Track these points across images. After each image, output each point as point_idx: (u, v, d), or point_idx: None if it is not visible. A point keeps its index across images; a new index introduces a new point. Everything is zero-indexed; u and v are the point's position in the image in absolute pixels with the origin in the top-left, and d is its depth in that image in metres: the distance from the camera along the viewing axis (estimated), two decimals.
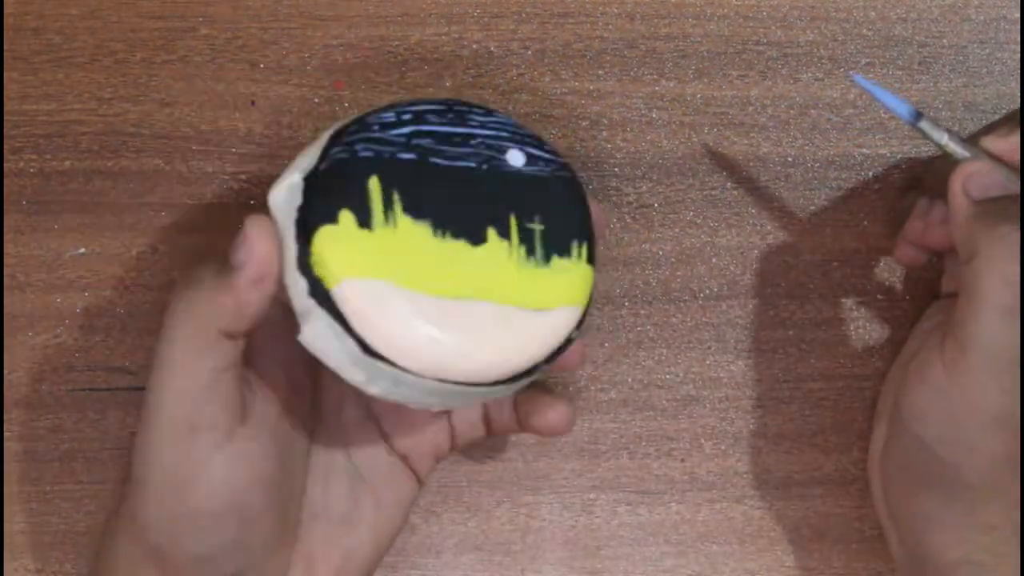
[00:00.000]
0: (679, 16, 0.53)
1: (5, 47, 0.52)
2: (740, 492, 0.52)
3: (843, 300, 0.53)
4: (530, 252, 0.42)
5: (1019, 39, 0.53)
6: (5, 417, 0.52)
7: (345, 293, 0.39)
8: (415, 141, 0.41)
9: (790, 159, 0.53)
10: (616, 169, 0.53)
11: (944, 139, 0.45)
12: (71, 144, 0.52)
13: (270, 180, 0.52)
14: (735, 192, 0.53)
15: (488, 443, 0.51)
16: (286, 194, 0.41)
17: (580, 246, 0.43)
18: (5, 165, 0.52)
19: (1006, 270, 0.42)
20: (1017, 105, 0.53)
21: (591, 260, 0.43)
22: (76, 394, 0.52)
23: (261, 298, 0.40)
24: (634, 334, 0.53)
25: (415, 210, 0.41)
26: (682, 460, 0.52)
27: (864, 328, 0.53)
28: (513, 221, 0.42)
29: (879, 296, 0.53)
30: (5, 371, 0.52)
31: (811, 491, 0.52)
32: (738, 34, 0.53)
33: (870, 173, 0.53)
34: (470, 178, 0.42)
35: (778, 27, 0.53)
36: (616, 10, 0.53)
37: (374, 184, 0.40)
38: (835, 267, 0.53)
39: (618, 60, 0.53)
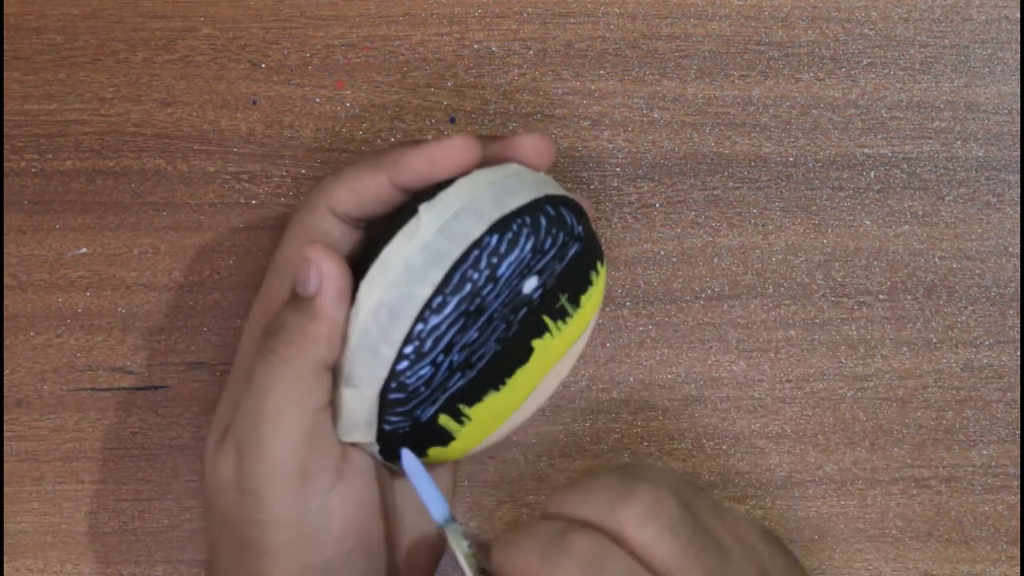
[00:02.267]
0: (681, 16, 0.53)
1: (6, 47, 0.52)
2: (741, 492, 0.52)
3: (843, 300, 0.53)
4: (566, 317, 0.44)
5: (1020, 39, 0.53)
6: (6, 417, 0.51)
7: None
8: (455, 363, 0.42)
9: (791, 159, 0.53)
10: (618, 169, 0.53)
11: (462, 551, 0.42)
12: (72, 144, 0.52)
13: (271, 180, 0.52)
14: (737, 192, 0.53)
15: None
16: (360, 428, 0.43)
17: (594, 267, 0.45)
18: (6, 165, 0.52)
19: None
20: (1018, 105, 0.53)
21: (602, 259, 0.45)
22: (77, 394, 0.52)
23: (344, 317, 0.41)
24: (635, 334, 0.53)
25: (478, 398, 0.44)
26: (683, 460, 0.52)
27: (864, 328, 0.53)
28: (546, 319, 0.44)
29: (880, 296, 0.53)
30: (6, 371, 0.52)
31: (812, 491, 0.52)
32: (740, 34, 0.53)
33: (871, 173, 0.53)
34: (505, 333, 0.43)
35: (780, 27, 0.53)
36: (618, 10, 0.53)
37: (445, 420, 0.43)
38: (836, 267, 0.53)
39: (620, 60, 0.53)
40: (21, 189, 0.52)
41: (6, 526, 0.51)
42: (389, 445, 0.43)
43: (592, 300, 0.45)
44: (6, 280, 0.52)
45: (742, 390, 0.53)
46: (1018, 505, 0.53)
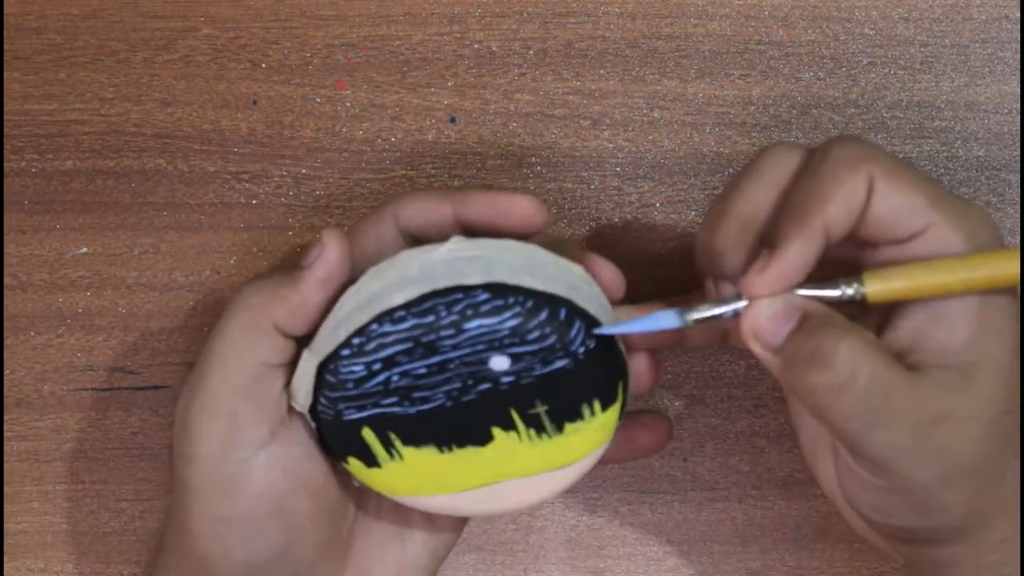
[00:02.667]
0: (681, 16, 0.53)
1: (6, 47, 0.52)
2: (742, 491, 0.52)
3: None
4: (540, 430, 0.43)
5: (1020, 39, 0.53)
6: (6, 417, 0.52)
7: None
8: (393, 385, 0.42)
9: None
10: (618, 169, 0.53)
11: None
12: (73, 144, 0.52)
13: (272, 180, 0.52)
14: None
15: None
16: (303, 391, 0.43)
17: (590, 404, 0.43)
18: (6, 165, 0.52)
19: (843, 409, 0.40)
20: (1018, 105, 0.53)
21: (605, 404, 0.43)
22: (78, 394, 0.52)
23: (321, 300, 0.42)
24: None
25: (415, 440, 0.43)
26: (684, 459, 0.52)
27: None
28: (514, 414, 0.43)
29: None
30: (6, 371, 0.52)
31: (813, 490, 0.52)
32: (740, 33, 0.53)
33: None
34: (460, 395, 0.42)
35: (780, 26, 0.53)
36: (618, 10, 0.53)
37: (368, 435, 0.43)
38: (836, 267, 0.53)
39: (620, 60, 0.53)
40: (21, 189, 0.52)
41: (6, 526, 0.51)
42: (320, 429, 0.43)
43: (583, 437, 0.43)
44: (6, 280, 0.52)
45: (743, 389, 0.53)
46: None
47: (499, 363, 0.42)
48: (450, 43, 0.52)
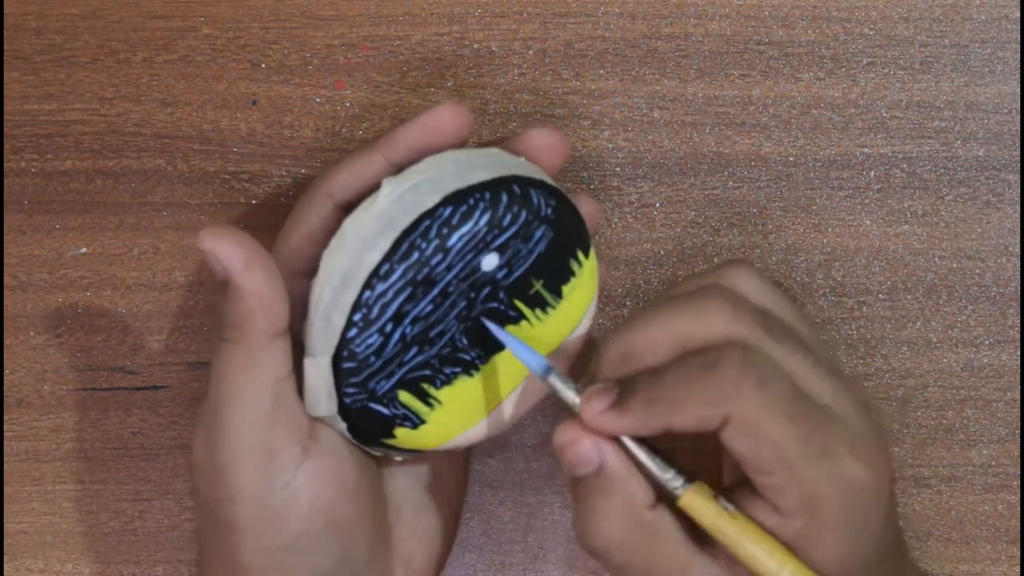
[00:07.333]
0: (680, 15, 0.53)
1: (6, 47, 0.52)
2: None
3: (843, 300, 0.53)
4: (545, 306, 0.44)
5: (1020, 39, 0.53)
6: (6, 417, 0.52)
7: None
8: (409, 336, 0.42)
9: (791, 159, 0.53)
10: (617, 169, 0.53)
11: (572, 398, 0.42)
12: (72, 144, 0.52)
13: (271, 180, 0.52)
14: (736, 192, 0.53)
15: (489, 443, 0.51)
16: (323, 400, 0.43)
17: (575, 256, 0.44)
18: (6, 165, 0.52)
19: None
20: (1018, 105, 0.53)
21: (586, 251, 0.45)
22: (77, 394, 0.52)
23: (266, 279, 0.41)
24: None
25: (446, 378, 0.43)
26: (684, 460, 0.52)
27: (864, 328, 0.53)
28: (519, 304, 0.44)
29: (880, 296, 0.53)
30: (6, 371, 0.52)
31: None
32: (740, 33, 0.53)
33: (871, 173, 0.53)
34: (468, 313, 0.43)
35: (780, 27, 0.53)
36: (617, 9, 0.53)
37: (405, 397, 0.43)
38: (835, 267, 0.53)
39: (619, 60, 0.53)
40: (21, 189, 0.52)
41: (6, 526, 0.51)
42: (354, 421, 0.43)
43: (579, 293, 0.45)
44: (6, 280, 0.52)
45: None
46: (1018, 505, 0.53)
47: (490, 261, 0.43)
48: (450, 43, 0.53)
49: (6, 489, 0.51)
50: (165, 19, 0.52)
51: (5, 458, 0.51)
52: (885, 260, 0.53)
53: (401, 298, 0.41)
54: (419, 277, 0.42)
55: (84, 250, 0.52)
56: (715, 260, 0.53)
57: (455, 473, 0.48)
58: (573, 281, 0.45)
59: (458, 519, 0.48)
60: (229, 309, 0.41)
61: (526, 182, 0.43)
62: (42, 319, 0.52)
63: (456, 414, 0.44)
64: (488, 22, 0.53)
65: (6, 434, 0.52)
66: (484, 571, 0.52)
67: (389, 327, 0.42)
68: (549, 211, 0.43)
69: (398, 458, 0.45)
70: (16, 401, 0.52)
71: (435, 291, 0.42)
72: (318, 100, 0.52)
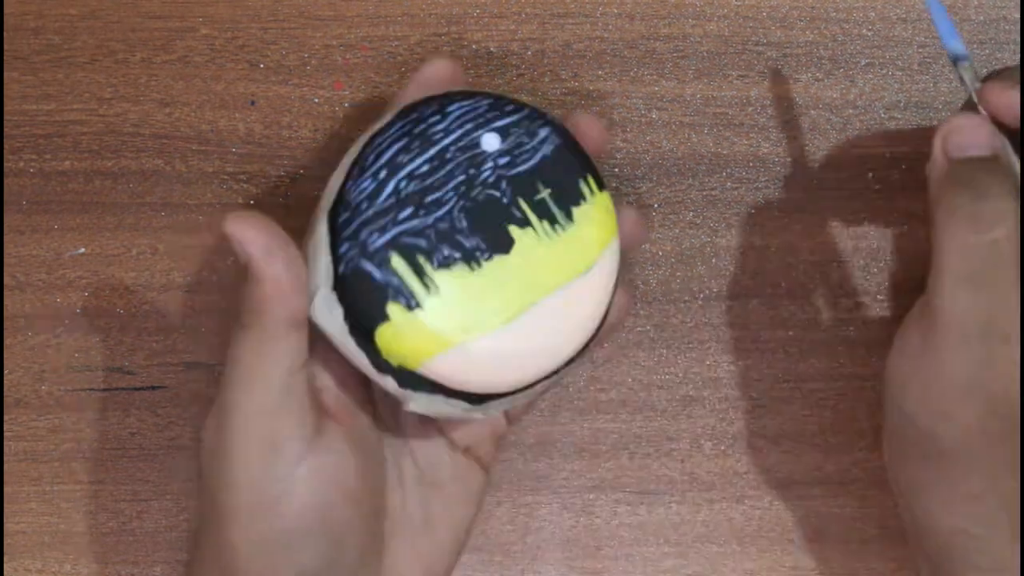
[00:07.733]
0: (679, 16, 0.53)
1: (5, 47, 0.52)
2: (740, 492, 0.52)
3: (843, 300, 0.53)
4: (553, 221, 0.43)
5: (1019, 39, 0.53)
6: (4, 417, 0.52)
7: (431, 371, 0.42)
8: (403, 192, 0.42)
9: (790, 159, 0.53)
10: (616, 169, 0.53)
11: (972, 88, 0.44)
12: (71, 144, 0.52)
13: (270, 180, 0.52)
14: (735, 192, 0.53)
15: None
16: (325, 308, 0.42)
17: (586, 181, 0.43)
18: (5, 165, 0.52)
19: (963, 240, 0.41)
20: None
21: (599, 182, 0.44)
22: (76, 394, 0.52)
23: (286, 267, 0.41)
24: (634, 334, 0.53)
25: (443, 259, 0.42)
26: (682, 460, 0.52)
27: (864, 328, 0.53)
28: (524, 205, 0.43)
29: (879, 296, 0.53)
30: (4, 371, 0.52)
31: (811, 491, 0.52)
32: (738, 34, 0.53)
33: (870, 173, 0.53)
34: (467, 190, 0.42)
35: (778, 27, 0.53)
36: (616, 10, 0.53)
37: (398, 262, 0.42)
38: (835, 267, 0.53)
39: (618, 60, 0.53)
40: (19, 189, 0.52)
41: (5, 526, 0.51)
42: (349, 295, 0.42)
43: (593, 227, 0.43)
44: (4, 280, 0.52)
45: (741, 390, 0.53)
46: None
47: (491, 141, 0.43)
48: (448, 44, 0.53)
49: (4, 489, 0.51)
50: (163, 19, 0.52)
51: (4, 458, 0.51)
52: (885, 260, 0.53)
53: (396, 147, 0.42)
54: (416, 130, 0.42)
55: (82, 250, 0.52)
56: (713, 261, 0.53)
57: (467, 501, 0.47)
58: (584, 206, 0.43)
59: (461, 548, 0.47)
60: (248, 295, 0.41)
61: (535, 110, 0.44)
62: (40, 319, 0.52)
63: (454, 315, 0.42)
64: (486, 23, 0.53)
65: (4, 434, 0.52)
66: (481, 571, 0.52)
67: (383, 174, 0.41)
68: (551, 118, 0.43)
69: (406, 407, 0.43)
70: (14, 401, 0.52)
71: (432, 151, 0.42)
72: (316, 100, 0.52)
